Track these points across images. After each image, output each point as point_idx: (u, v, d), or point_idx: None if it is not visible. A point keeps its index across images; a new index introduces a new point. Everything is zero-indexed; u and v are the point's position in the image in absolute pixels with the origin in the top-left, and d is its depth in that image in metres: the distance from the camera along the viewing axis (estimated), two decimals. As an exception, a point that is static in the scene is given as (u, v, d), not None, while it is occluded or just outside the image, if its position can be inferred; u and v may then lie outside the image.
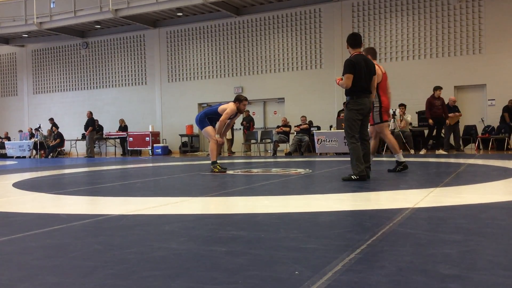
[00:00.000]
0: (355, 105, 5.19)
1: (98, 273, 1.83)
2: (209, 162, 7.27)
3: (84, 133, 16.85)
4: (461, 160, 8.45)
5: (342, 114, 13.81)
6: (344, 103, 14.80)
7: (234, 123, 7.34)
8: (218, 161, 7.10)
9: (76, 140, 19.08)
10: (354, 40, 5.30)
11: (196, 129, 17.52)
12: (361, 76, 5.16)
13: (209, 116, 7.09)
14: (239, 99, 7.01)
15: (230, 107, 6.93)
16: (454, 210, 3.15)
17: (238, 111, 7.07)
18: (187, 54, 18.58)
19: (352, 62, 5.13)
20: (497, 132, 13.16)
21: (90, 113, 16.99)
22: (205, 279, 1.71)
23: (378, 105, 6.00)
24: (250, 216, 3.09)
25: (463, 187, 4.36)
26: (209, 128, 7.03)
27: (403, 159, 6.02)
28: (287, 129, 14.69)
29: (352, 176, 5.08)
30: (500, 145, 13.01)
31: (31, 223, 3.05)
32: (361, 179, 5.02)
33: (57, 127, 18.08)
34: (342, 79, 5.24)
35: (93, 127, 16.82)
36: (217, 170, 6.88)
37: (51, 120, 18.41)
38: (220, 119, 6.88)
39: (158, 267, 1.89)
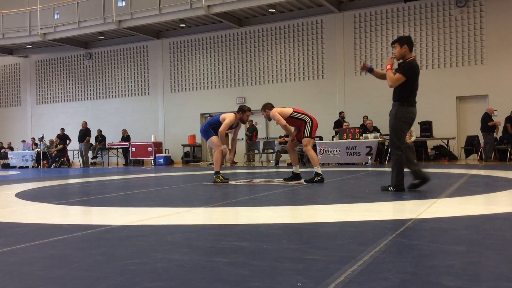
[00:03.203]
0: (405, 113, 4.86)
1: (100, 284, 1.83)
2: (212, 172, 7.28)
3: (80, 144, 17.27)
4: (464, 171, 8.43)
5: (343, 126, 13.82)
6: (339, 114, 14.71)
7: (237, 134, 7.36)
8: (221, 171, 7.10)
9: (79, 150, 19.12)
10: (412, 44, 4.97)
11: (198, 139, 17.57)
12: (416, 82, 4.90)
13: (212, 125, 7.11)
14: (243, 110, 7.05)
15: (229, 117, 6.95)
16: (457, 221, 3.14)
17: (241, 121, 7.11)
18: (189, 65, 18.67)
19: (414, 66, 4.84)
20: (499, 142, 13.14)
21: (85, 123, 17.57)
22: (207, 290, 1.71)
23: (310, 121, 6.54)
24: (253, 227, 3.08)
25: (466, 198, 4.34)
26: (214, 138, 7.04)
27: (320, 171, 6.45)
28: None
29: (389, 188, 4.92)
30: (503, 155, 12.98)
31: (33, 234, 3.05)
32: (398, 190, 4.85)
33: (61, 139, 18.21)
34: (393, 71, 4.88)
35: (89, 137, 17.32)
36: (219, 181, 6.89)
37: (62, 130, 18.46)
38: (219, 130, 6.91)
39: (160, 278, 1.89)
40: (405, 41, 4.93)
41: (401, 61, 4.96)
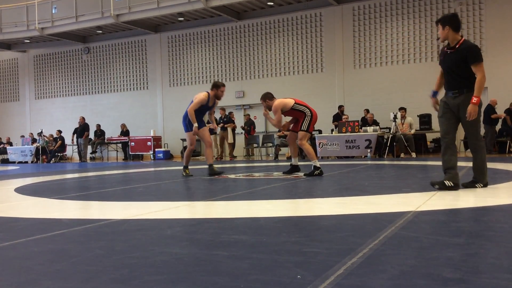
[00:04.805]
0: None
1: (100, 278, 1.83)
2: (208, 166, 7.38)
3: (79, 139, 17.29)
4: (463, 163, 8.43)
5: (342, 119, 13.80)
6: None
7: (214, 112, 7.38)
8: (214, 165, 7.29)
9: (78, 145, 19.10)
10: (458, 22, 4.30)
11: (197, 134, 17.55)
12: None
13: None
14: (217, 86, 7.09)
15: (199, 96, 7.01)
16: (456, 213, 3.15)
17: (216, 98, 7.14)
18: (188, 59, 18.62)
19: (477, 46, 4.30)
20: (498, 135, 13.14)
21: (83, 119, 17.53)
22: (207, 284, 1.71)
23: (310, 115, 6.47)
24: (252, 220, 3.08)
25: (465, 190, 4.34)
26: (187, 134, 7.22)
27: (318, 164, 6.44)
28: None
29: (477, 185, 4.43)
30: (502, 148, 12.99)
31: (33, 228, 3.05)
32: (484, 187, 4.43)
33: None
34: (476, 100, 4.15)
35: (87, 132, 17.35)
36: (184, 174, 7.21)
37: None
38: (188, 109, 6.98)
39: (160, 272, 1.89)
40: (447, 21, 4.27)
41: (446, 42, 4.37)
